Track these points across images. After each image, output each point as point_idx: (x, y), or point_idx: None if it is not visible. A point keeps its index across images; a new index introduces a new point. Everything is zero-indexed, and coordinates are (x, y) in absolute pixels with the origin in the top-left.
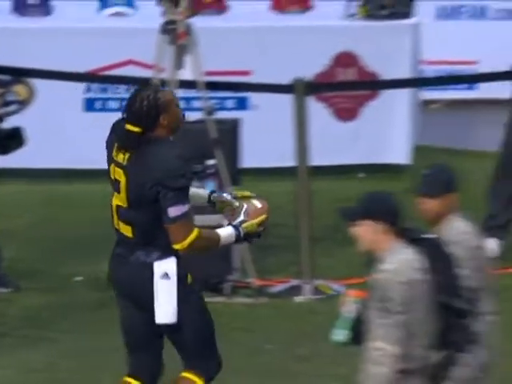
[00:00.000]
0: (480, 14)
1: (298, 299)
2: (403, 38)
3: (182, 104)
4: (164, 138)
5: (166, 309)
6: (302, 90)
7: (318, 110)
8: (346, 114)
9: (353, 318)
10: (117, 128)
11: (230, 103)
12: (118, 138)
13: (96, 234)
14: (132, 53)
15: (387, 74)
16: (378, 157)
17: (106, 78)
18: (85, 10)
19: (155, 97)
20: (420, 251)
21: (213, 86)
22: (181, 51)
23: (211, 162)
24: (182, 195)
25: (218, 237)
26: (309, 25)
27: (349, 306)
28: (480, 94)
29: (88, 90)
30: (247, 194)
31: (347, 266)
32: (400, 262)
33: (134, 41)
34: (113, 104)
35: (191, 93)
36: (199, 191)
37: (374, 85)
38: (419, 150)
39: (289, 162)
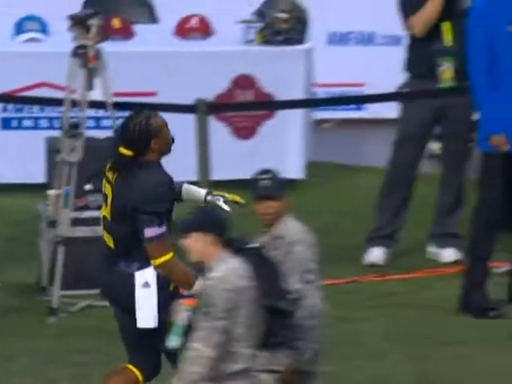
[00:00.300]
0: (367, 40)
1: None
2: (297, 62)
3: (92, 123)
4: (153, 163)
5: (146, 314)
6: (203, 110)
7: (218, 129)
8: (245, 132)
9: (185, 325)
10: (115, 145)
11: None
12: (111, 158)
13: (13, 245)
14: (45, 75)
15: (282, 95)
16: None
17: (22, 98)
18: (0, 35)
19: (147, 122)
20: (245, 260)
21: (121, 106)
22: (91, 74)
23: None
24: (158, 218)
25: (193, 278)
26: (210, 50)
27: (181, 314)
28: (368, 114)
29: (4, 109)
30: (238, 199)
31: None
32: (226, 270)
33: (47, 64)
34: (27, 123)
35: (101, 112)
36: (199, 190)
37: (270, 105)
38: (312, 166)
39: (191, 176)
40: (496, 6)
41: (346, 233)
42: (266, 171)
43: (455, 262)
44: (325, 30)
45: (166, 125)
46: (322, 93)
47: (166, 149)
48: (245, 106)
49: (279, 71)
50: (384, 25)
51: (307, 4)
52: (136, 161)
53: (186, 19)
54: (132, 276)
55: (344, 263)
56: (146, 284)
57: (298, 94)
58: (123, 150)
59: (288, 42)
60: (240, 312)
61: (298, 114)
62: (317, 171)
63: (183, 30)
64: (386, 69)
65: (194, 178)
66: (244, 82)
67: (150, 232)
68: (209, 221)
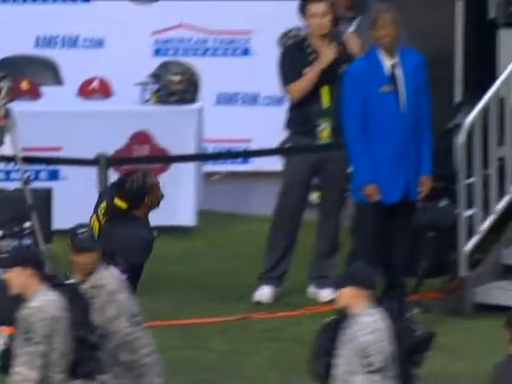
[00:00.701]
0: (252, 100)
1: None
2: (189, 120)
3: (2, 176)
4: (142, 218)
5: None
6: (104, 163)
7: None
8: None
9: (2, 350)
10: (111, 195)
11: (43, 175)
12: (108, 204)
13: None
14: None
15: (176, 150)
16: (169, 219)
17: None
18: None
19: (144, 180)
20: (61, 293)
21: (29, 160)
22: (1, 131)
23: (28, 224)
24: (127, 266)
25: None
26: (110, 109)
27: None
28: (254, 167)
29: None
30: None
31: None
32: (44, 301)
33: None
34: None
35: (11, 166)
36: None
37: (164, 159)
38: (204, 214)
39: None
40: (369, 70)
41: (238, 274)
42: (83, 226)
43: (332, 301)
44: (214, 91)
45: (158, 183)
46: (211, 148)
47: (155, 205)
48: (142, 160)
49: (173, 128)
50: (267, 87)
51: (198, 68)
52: (129, 213)
53: (88, 81)
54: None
55: (236, 302)
56: None
57: (190, 149)
58: (119, 202)
59: (181, 101)
60: (55, 339)
61: (190, 167)
62: (208, 219)
63: (86, 91)
64: (270, 126)
65: None
66: (141, 138)
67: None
68: (28, 256)
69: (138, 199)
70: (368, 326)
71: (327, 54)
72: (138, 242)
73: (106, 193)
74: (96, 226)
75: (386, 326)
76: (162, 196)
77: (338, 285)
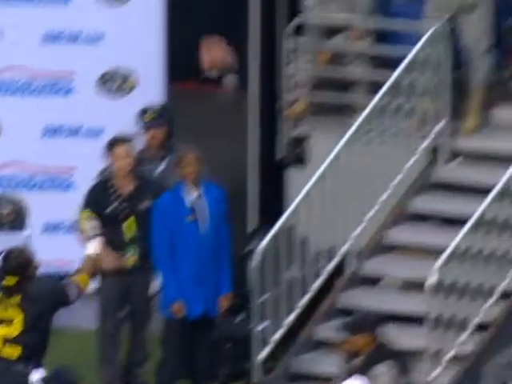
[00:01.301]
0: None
1: None
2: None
3: None
4: (35, 277)
5: None
6: None
7: None
8: None
9: None
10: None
11: None
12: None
13: None
14: None
15: None
16: None
17: None
18: None
19: (23, 254)
20: None
21: None
22: None
23: None
24: (68, 289)
25: (84, 263)
26: None
27: None
28: None
29: None
30: None
31: None
32: None
33: None
34: None
35: None
36: None
37: None
38: None
39: None
40: (175, 203)
41: None
42: None
43: None
44: (41, 221)
45: (34, 256)
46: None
47: (36, 270)
48: None
49: None
50: None
51: (26, 200)
52: (20, 286)
53: None
54: (27, 374)
55: None
56: (40, 380)
57: None
58: (9, 281)
59: (11, 229)
60: None
61: None
62: None
63: None
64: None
65: None
66: None
67: (74, 296)
68: None
69: (23, 270)
70: None
71: (109, 261)
72: (55, 282)
73: None
74: (13, 311)
75: None
76: (38, 266)
77: None
